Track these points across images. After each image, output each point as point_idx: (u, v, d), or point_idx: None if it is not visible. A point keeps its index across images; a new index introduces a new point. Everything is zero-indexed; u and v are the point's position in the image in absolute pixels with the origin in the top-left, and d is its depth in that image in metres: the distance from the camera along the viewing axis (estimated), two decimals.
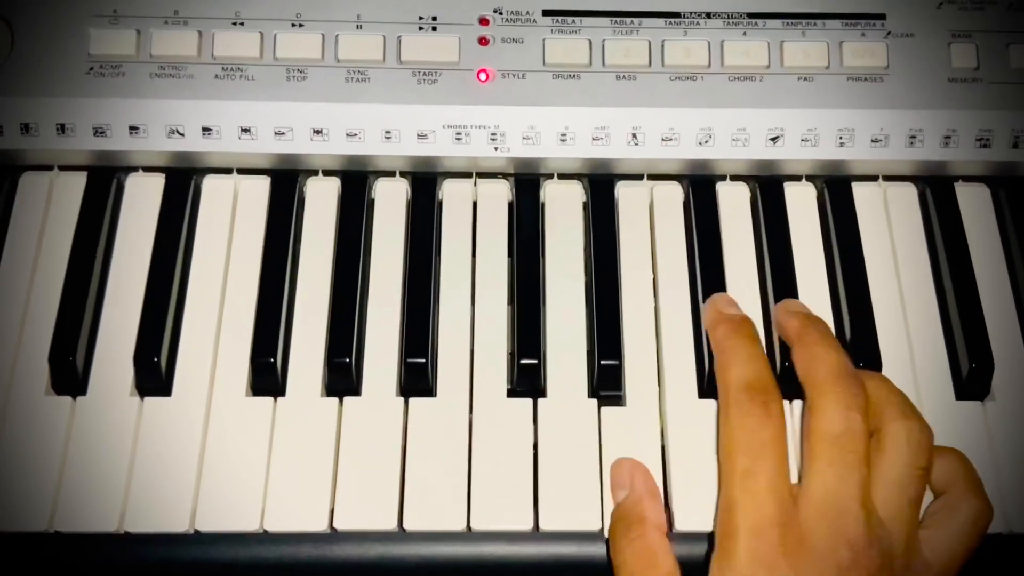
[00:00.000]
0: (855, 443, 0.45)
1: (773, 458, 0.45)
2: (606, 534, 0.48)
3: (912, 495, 0.45)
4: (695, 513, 0.48)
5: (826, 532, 0.43)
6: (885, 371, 0.52)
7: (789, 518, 0.44)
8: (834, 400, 0.46)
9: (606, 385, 0.52)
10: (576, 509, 0.49)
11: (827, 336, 0.49)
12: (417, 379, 0.51)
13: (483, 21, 0.56)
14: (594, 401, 0.51)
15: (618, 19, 0.56)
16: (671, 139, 0.55)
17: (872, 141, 0.55)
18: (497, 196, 0.57)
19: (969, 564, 0.46)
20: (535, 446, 0.50)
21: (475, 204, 0.57)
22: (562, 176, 0.58)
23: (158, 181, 0.56)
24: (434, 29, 0.55)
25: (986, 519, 0.47)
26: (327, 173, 0.57)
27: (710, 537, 0.47)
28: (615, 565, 0.46)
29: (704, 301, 0.53)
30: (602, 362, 0.51)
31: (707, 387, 0.52)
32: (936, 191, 0.57)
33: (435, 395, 0.51)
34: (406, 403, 0.51)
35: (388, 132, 0.55)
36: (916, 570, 0.44)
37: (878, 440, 0.46)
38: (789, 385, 0.50)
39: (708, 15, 0.56)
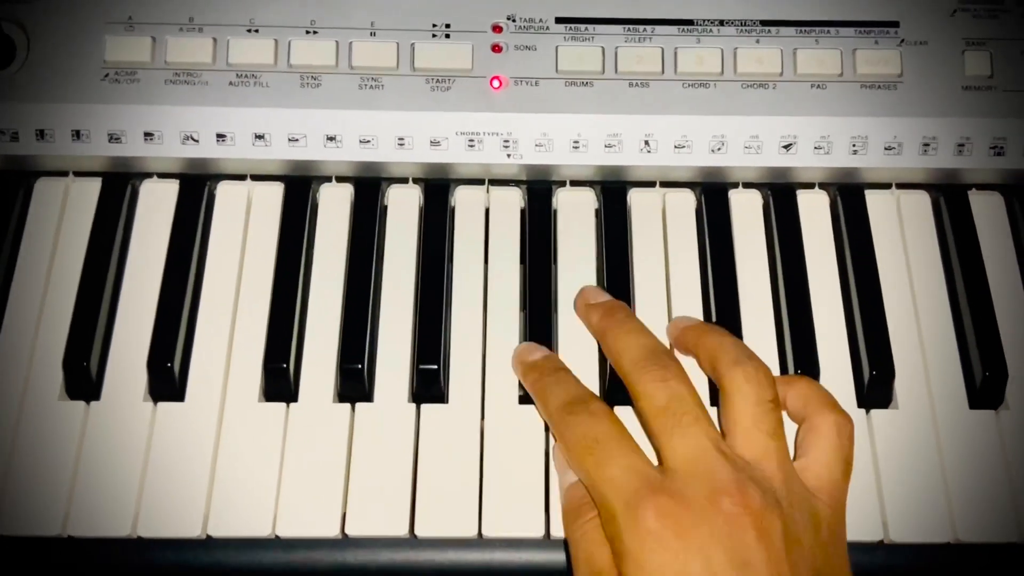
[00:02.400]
0: (685, 405, 0.45)
1: (615, 444, 0.45)
2: None
3: (769, 428, 0.45)
4: None
5: (699, 488, 0.42)
6: (898, 379, 0.52)
7: (657, 485, 0.43)
8: (649, 379, 0.46)
9: (618, 391, 0.51)
10: None
11: (626, 323, 0.50)
12: (429, 385, 0.51)
13: (496, 28, 0.56)
14: None
15: (631, 27, 0.56)
16: (684, 146, 0.55)
17: (885, 149, 0.55)
18: (509, 203, 0.57)
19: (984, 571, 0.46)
20: (547, 453, 0.50)
21: (487, 211, 0.57)
22: (574, 183, 0.58)
23: (172, 187, 0.56)
24: (447, 37, 0.56)
25: (848, 428, 0.47)
26: (340, 179, 0.57)
27: None
28: (571, 543, 0.45)
29: (716, 308, 0.54)
30: (613, 368, 0.51)
31: (717, 391, 0.51)
32: (950, 199, 0.57)
33: (447, 401, 0.51)
34: (418, 409, 0.51)
35: (401, 139, 0.55)
36: (803, 498, 0.44)
37: (722, 390, 0.47)
38: None
39: (721, 23, 0.56)
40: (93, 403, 0.51)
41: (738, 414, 0.45)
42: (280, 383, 0.51)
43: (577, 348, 0.53)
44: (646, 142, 0.55)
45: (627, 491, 0.43)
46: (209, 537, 0.48)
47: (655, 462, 0.45)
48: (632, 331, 0.49)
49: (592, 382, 0.52)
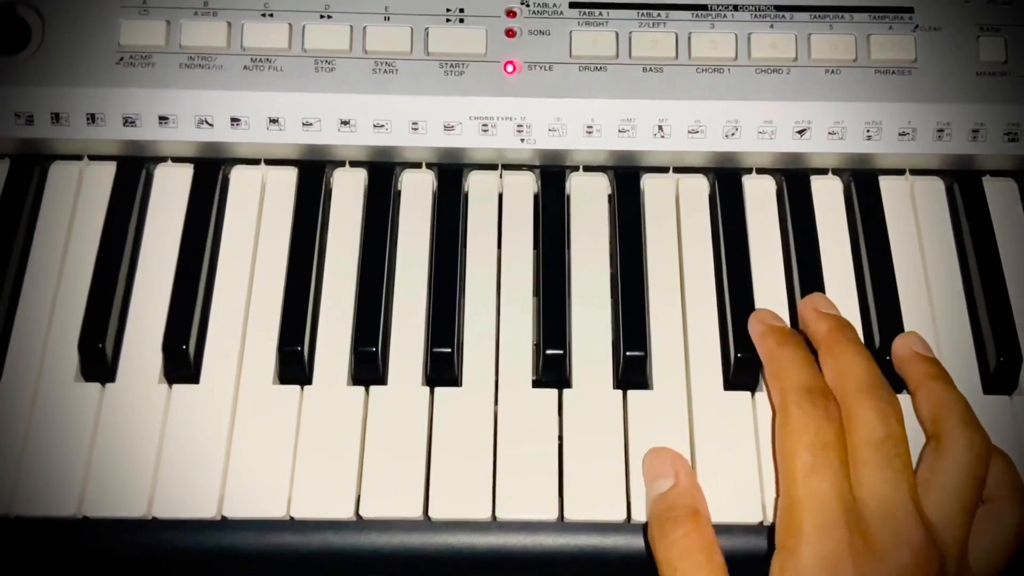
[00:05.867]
0: (899, 447, 0.45)
1: (836, 457, 0.44)
2: (631, 522, 0.48)
3: (967, 503, 0.45)
4: (722, 505, 0.48)
5: (888, 535, 0.43)
6: None
7: (854, 518, 0.43)
8: (872, 409, 0.46)
9: (631, 376, 0.52)
10: (601, 500, 0.49)
11: (856, 343, 0.49)
12: (443, 369, 0.51)
13: (510, 13, 0.56)
14: (619, 392, 0.51)
15: (645, 11, 0.56)
16: (697, 131, 0.55)
17: (899, 135, 0.55)
18: (523, 188, 0.57)
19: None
20: (560, 437, 0.50)
21: (500, 196, 0.57)
22: (587, 168, 0.58)
23: (187, 171, 0.56)
24: (461, 21, 0.56)
25: None
26: (354, 164, 0.57)
27: (769, 535, 0.47)
28: (661, 560, 0.45)
29: (729, 294, 0.53)
30: (628, 353, 0.51)
31: (732, 380, 0.52)
32: (963, 185, 0.57)
33: (461, 385, 0.51)
34: (432, 392, 0.51)
35: (415, 123, 0.55)
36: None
37: (937, 446, 0.46)
38: None
39: (735, 7, 0.56)
40: (108, 385, 0.51)
41: (944, 475, 0.45)
42: (295, 366, 0.51)
43: (589, 333, 0.53)
44: (660, 127, 0.55)
45: (827, 513, 0.43)
46: (224, 518, 0.48)
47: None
48: (861, 354, 0.48)
49: (602, 372, 0.52)
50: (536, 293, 0.54)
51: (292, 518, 0.48)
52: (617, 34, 0.55)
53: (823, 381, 0.48)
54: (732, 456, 0.49)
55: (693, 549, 0.44)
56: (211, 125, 0.55)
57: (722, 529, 0.48)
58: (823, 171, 0.57)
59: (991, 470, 0.47)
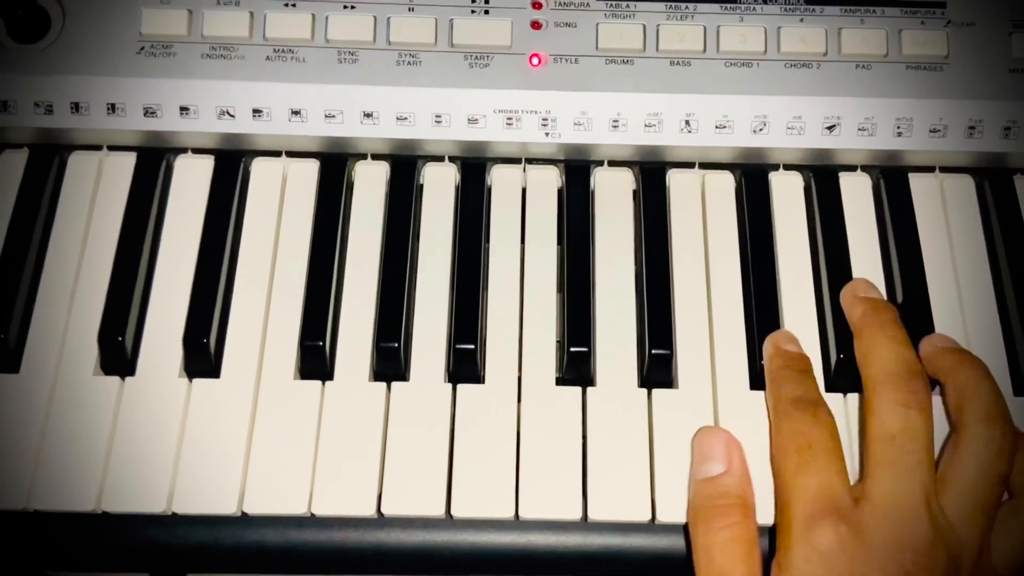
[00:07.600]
0: (914, 443, 0.44)
1: (824, 457, 0.44)
2: (656, 522, 0.48)
3: (984, 502, 0.44)
4: None
5: (888, 533, 0.42)
6: None
7: (845, 513, 0.42)
8: (891, 399, 0.44)
9: (657, 374, 0.51)
10: (625, 500, 0.48)
11: (888, 327, 0.48)
12: (466, 365, 0.51)
13: (536, 5, 0.55)
14: (644, 391, 0.51)
15: (673, 4, 0.55)
16: (725, 127, 0.54)
17: (930, 131, 0.54)
18: (547, 182, 0.56)
19: None
20: (584, 435, 0.50)
21: (524, 190, 0.56)
22: (612, 163, 0.57)
23: (207, 163, 0.56)
24: (486, 12, 0.55)
25: None
26: (376, 157, 0.57)
27: (770, 535, 0.46)
28: (699, 546, 0.44)
29: (755, 292, 0.53)
30: (653, 351, 0.51)
31: (758, 378, 0.51)
32: (994, 183, 0.56)
33: (483, 382, 0.51)
34: (454, 389, 0.50)
35: (438, 116, 0.54)
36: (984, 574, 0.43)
37: (956, 440, 0.45)
38: (845, 380, 0.49)
39: (765, 0, 0.55)
40: (128, 379, 0.50)
41: (960, 473, 0.44)
42: (316, 361, 0.51)
43: (614, 330, 0.52)
44: (687, 122, 0.54)
45: (814, 507, 0.42)
46: (244, 514, 0.48)
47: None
48: (893, 339, 0.47)
49: (626, 370, 0.51)
50: (560, 289, 0.53)
51: (313, 515, 0.48)
52: (644, 27, 0.55)
53: (816, 393, 0.47)
54: (759, 455, 0.48)
55: (736, 541, 0.43)
56: (232, 116, 0.54)
57: None
58: (852, 168, 0.57)
59: (1019, 463, 0.45)
